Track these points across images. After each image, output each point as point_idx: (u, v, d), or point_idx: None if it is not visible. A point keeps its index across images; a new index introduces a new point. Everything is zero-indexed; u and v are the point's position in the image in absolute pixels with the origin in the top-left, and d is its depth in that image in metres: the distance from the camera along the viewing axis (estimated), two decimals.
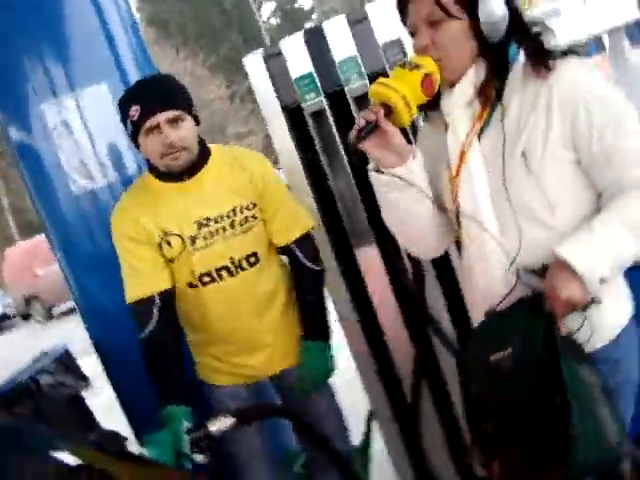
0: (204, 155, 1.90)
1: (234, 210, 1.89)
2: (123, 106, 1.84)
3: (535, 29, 1.37)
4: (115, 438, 2.47)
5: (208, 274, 1.89)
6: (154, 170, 1.89)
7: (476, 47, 1.33)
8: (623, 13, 2.20)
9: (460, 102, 1.36)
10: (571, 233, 1.28)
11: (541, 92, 1.31)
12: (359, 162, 1.41)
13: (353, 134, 1.31)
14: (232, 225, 1.89)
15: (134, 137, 1.84)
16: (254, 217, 1.93)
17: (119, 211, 1.94)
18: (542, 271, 1.29)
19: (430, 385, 2.35)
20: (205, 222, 1.88)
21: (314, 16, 37.41)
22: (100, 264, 2.33)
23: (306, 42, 2.16)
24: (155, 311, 1.83)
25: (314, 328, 2.01)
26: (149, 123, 1.77)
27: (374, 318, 2.33)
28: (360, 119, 1.30)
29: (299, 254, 1.99)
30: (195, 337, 2.01)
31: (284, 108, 2.22)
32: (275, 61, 2.19)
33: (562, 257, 1.23)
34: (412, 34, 1.38)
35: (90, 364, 3.30)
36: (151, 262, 1.87)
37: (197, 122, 1.87)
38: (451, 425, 2.36)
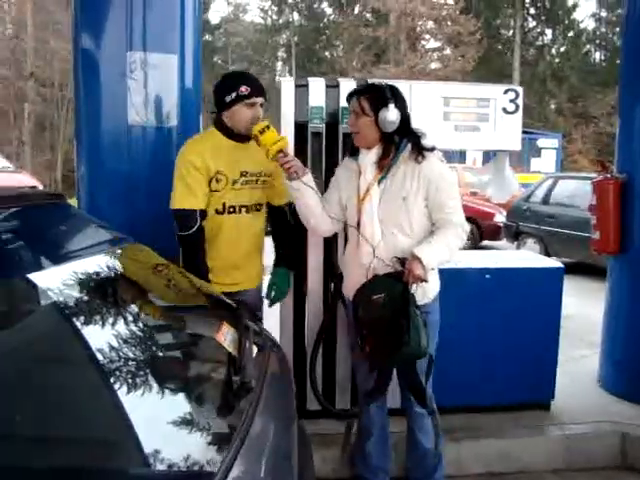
0: None
1: (261, 172, 2.80)
2: (234, 82, 2.66)
3: (418, 132, 2.52)
4: None
5: (233, 207, 2.75)
6: (222, 129, 2.72)
7: (379, 134, 2.47)
8: (511, 143, 3.45)
9: (369, 162, 2.51)
10: (419, 241, 2.45)
11: (415, 169, 2.46)
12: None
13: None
14: (257, 182, 2.80)
15: (230, 104, 2.65)
16: (267, 182, 2.84)
17: (192, 146, 2.72)
18: (398, 259, 2.43)
19: (324, 343, 3.31)
20: (245, 173, 2.75)
21: (218, 31, 38.09)
22: (114, 184, 3.06)
23: (326, 86, 3.14)
24: (198, 219, 2.65)
25: (285, 261, 2.98)
26: (252, 100, 2.65)
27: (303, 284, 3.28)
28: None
29: (288, 212, 2.93)
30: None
31: (296, 123, 3.15)
32: (302, 90, 3.13)
33: (418, 255, 2.37)
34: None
35: None
36: (202, 188, 2.67)
37: None
38: (327, 373, 3.35)
